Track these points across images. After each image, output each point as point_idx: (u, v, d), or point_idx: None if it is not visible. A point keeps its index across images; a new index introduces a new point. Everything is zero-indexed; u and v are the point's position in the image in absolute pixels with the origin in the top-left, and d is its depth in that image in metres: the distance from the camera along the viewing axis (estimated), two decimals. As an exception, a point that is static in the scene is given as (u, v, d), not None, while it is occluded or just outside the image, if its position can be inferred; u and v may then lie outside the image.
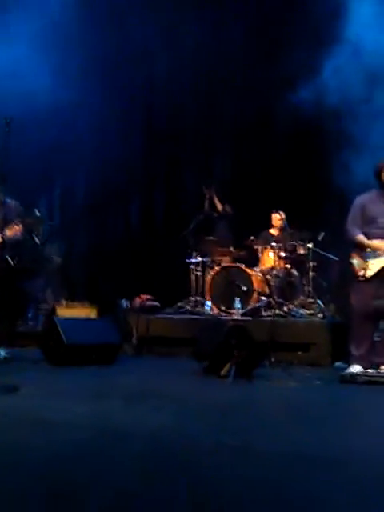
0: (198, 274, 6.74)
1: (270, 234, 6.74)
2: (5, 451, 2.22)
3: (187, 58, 7.98)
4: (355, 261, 4.28)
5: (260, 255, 6.48)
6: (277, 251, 6.16)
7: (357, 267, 4.26)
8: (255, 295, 5.95)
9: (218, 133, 8.28)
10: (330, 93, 6.10)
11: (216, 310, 6.08)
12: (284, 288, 6.06)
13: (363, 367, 4.13)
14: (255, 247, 6.54)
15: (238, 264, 6.26)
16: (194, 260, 6.81)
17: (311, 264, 6.24)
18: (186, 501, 1.74)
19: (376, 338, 4.45)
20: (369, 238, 4.24)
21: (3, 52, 7.54)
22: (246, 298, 5.92)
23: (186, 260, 6.78)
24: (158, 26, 8.01)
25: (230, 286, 6.08)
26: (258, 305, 5.90)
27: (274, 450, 2.31)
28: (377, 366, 4.16)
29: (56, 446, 2.31)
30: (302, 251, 6.38)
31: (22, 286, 5.41)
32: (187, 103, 8.17)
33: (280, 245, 6.20)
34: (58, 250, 6.74)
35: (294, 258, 6.30)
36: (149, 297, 6.61)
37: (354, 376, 3.99)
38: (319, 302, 6.05)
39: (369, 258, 4.21)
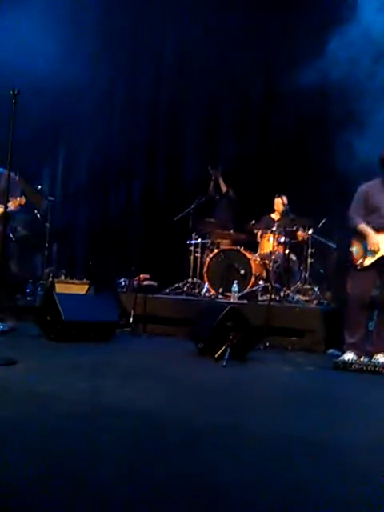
0: (197, 255, 6.78)
1: (272, 218, 6.75)
2: (1, 424, 2.27)
3: (193, 41, 7.91)
4: (354, 249, 4.30)
5: (260, 239, 6.50)
6: (277, 236, 6.18)
7: (355, 255, 4.29)
8: (253, 279, 5.99)
9: (221, 115, 8.23)
10: (335, 74, 6.06)
11: (213, 293, 6.12)
12: (282, 273, 6.10)
13: (356, 355, 4.18)
14: (255, 231, 6.56)
15: (237, 247, 6.28)
16: (193, 241, 6.84)
17: (310, 250, 6.28)
18: (179, 478, 1.79)
19: (370, 327, 4.50)
20: (371, 227, 4.24)
21: (15, 27, 7.48)
22: (243, 281, 5.96)
23: (186, 242, 6.81)
24: (166, 13, 7.93)
25: (229, 269, 6.12)
26: (254, 288, 5.95)
27: (265, 431, 2.37)
28: (370, 355, 4.21)
29: (52, 420, 2.36)
30: (301, 237, 6.42)
31: (22, 260, 5.42)
32: (192, 85, 8.10)
33: (280, 230, 6.22)
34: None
35: (293, 244, 6.33)
36: (147, 276, 6.65)
37: (347, 363, 4.05)
38: (316, 288, 6.10)
39: (368, 246, 4.23)
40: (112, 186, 8.94)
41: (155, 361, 4.12)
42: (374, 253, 4.19)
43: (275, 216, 6.79)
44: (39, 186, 6.85)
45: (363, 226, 4.24)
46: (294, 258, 6.34)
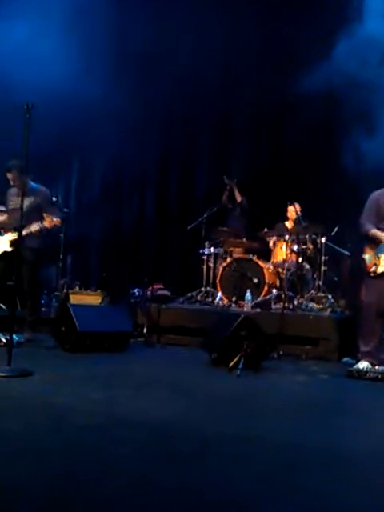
0: (210, 264, 6.80)
1: (285, 226, 6.75)
2: (18, 435, 2.31)
3: (206, 52, 7.97)
4: (367, 256, 4.29)
5: (273, 248, 6.50)
6: (289, 244, 6.17)
7: (368, 263, 4.27)
8: (266, 288, 5.99)
9: (233, 124, 8.28)
10: (344, 75, 6.08)
11: (226, 302, 6.13)
12: (295, 281, 6.08)
13: (371, 364, 4.15)
14: (268, 239, 6.56)
15: (250, 256, 6.29)
16: (206, 251, 6.85)
17: (323, 258, 6.26)
18: (192, 489, 1.80)
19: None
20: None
21: (30, 41, 7.63)
22: (256, 290, 5.96)
23: (199, 251, 6.84)
24: (179, 21, 8.02)
25: (242, 278, 6.12)
26: (268, 297, 5.94)
27: (279, 441, 2.37)
28: (385, 363, 4.18)
29: (67, 431, 2.39)
30: (314, 245, 6.40)
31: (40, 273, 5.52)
32: (205, 94, 8.16)
33: (293, 238, 6.21)
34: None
35: (306, 252, 6.32)
36: (160, 286, 6.68)
37: (361, 372, 4.03)
38: (330, 296, 6.07)
39: (381, 253, 4.22)
40: (125, 196, 9.01)
41: (169, 371, 4.14)
42: None
43: (288, 224, 6.79)
44: (55, 198, 6.94)
45: (375, 232, 4.23)
46: (307, 266, 6.32)
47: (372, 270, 4.24)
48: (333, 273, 6.45)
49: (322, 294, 6.12)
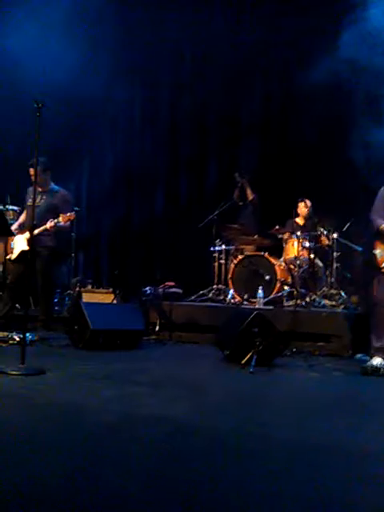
0: (222, 262, 6.79)
1: (296, 222, 6.73)
2: (31, 433, 2.32)
3: (212, 48, 7.95)
4: (378, 251, 4.25)
5: (284, 244, 6.48)
6: (301, 241, 6.15)
7: (379, 258, 4.24)
8: (278, 284, 5.97)
9: (242, 120, 8.25)
10: (352, 65, 6.03)
11: (238, 299, 6.12)
12: (307, 278, 6.06)
13: (384, 359, 4.12)
14: (280, 236, 6.55)
15: (261, 253, 6.28)
16: (217, 248, 6.85)
17: (336, 254, 6.23)
18: (206, 486, 1.81)
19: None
20: None
21: (36, 34, 7.66)
22: (268, 287, 5.95)
23: (210, 248, 6.83)
24: (185, 16, 8.00)
25: (253, 275, 6.12)
26: (280, 294, 5.93)
27: (292, 439, 2.37)
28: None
29: (81, 429, 2.40)
30: (326, 241, 6.37)
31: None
32: (214, 90, 8.14)
33: (305, 234, 6.19)
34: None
35: (318, 248, 6.29)
36: (172, 283, 6.69)
37: (375, 368, 4.00)
38: (342, 293, 6.04)
39: None
40: (136, 194, 9.02)
41: (182, 368, 4.14)
42: None
43: (299, 220, 6.77)
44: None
45: None
46: (319, 262, 6.30)
47: (383, 265, 4.20)
48: (345, 269, 6.42)
49: (335, 291, 6.09)
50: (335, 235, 6.25)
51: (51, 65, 7.60)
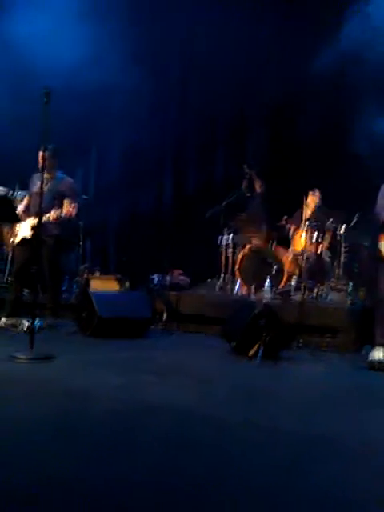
0: (229, 252, 6.78)
1: (304, 214, 6.69)
2: (40, 419, 2.35)
3: (221, 39, 7.89)
4: (383, 244, 4.25)
5: (292, 236, 6.46)
6: (309, 232, 6.12)
7: None
8: (285, 276, 5.96)
9: (252, 110, 8.20)
10: (355, 56, 6.00)
11: (245, 290, 6.12)
12: (315, 270, 6.04)
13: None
14: (288, 227, 6.52)
15: (269, 244, 6.26)
16: (225, 238, 6.84)
17: (344, 247, 6.20)
18: (213, 475, 1.82)
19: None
20: None
21: (46, 23, 7.63)
22: (276, 278, 5.94)
23: (218, 238, 6.83)
24: (195, 8, 7.95)
25: (261, 266, 6.11)
26: (287, 286, 5.92)
27: (299, 432, 2.38)
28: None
29: (90, 416, 2.43)
30: (334, 234, 6.34)
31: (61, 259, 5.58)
32: (223, 81, 8.08)
33: (313, 226, 6.15)
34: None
35: (326, 241, 6.26)
36: (180, 272, 6.69)
37: (382, 362, 4.00)
38: (350, 286, 6.02)
39: None
40: (144, 183, 9.00)
41: (188, 358, 4.16)
42: None
43: (308, 212, 6.73)
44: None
45: None
46: (327, 254, 6.27)
47: (388, 258, 4.19)
48: (353, 262, 6.39)
49: (342, 284, 6.07)
50: (343, 228, 6.21)
51: (61, 53, 7.57)
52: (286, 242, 6.51)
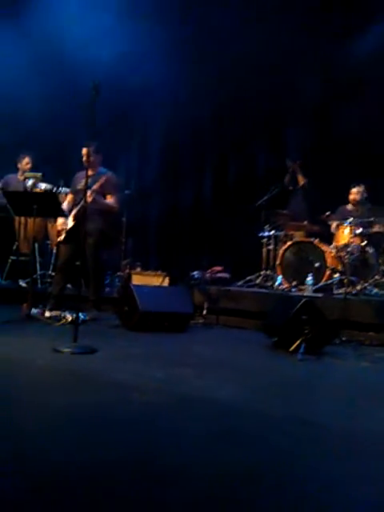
0: (270, 247, 6.73)
1: (348, 209, 6.58)
2: (84, 409, 2.40)
3: (260, 33, 7.82)
4: None
5: (335, 231, 6.35)
6: (353, 227, 6.00)
7: None
8: (328, 272, 5.87)
9: (294, 103, 8.09)
10: None
11: (286, 285, 6.06)
12: (358, 266, 5.91)
13: None
14: (330, 222, 6.41)
15: (311, 239, 6.18)
16: (266, 233, 6.79)
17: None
18: (257, 467, 1.82)
19: None
20: None
21: (88, 20, 7.76)
22: (318, 274, 5.86)
23: (259, 234, 6.79)
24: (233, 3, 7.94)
25: (303, 262, 6.04)
26: (330, 281, 5.83)
27: (340, 426, 2.35)
28: None
29: (133, 408, 2.46)
30: (379, 228, 6.19)
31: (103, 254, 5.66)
32: (263, 73, 8.00)
33: (357, 221, 6.03)
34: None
35: (370, 235, 6.13)
36: (220, 268, 6.69)
37: None
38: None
39: None
40: (184, 178, 9.03)
41: (230, 352, 4.16)
42: None
43: (352, 206, 6.61)
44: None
45: None
46: (371, 250, 6.13)
47: None
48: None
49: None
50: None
51: (102, 50, 7.68)
52: (328, 238, 6.40)
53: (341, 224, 6.22)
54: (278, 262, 6.27)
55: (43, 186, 6.41)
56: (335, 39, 7.44)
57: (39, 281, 6.51)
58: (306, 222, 6.52)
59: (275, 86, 7.96)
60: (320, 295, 5.57)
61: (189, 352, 3.99)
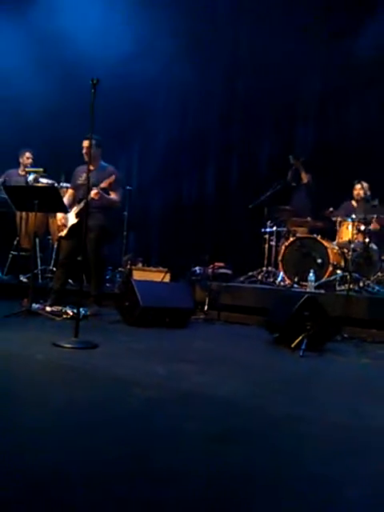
0: (272, 243, 6.71)
1: (351, 205, 6.54)
2: (84, 405, 2.38)
3: (268, 29, 7.78)
4: None
5: (338, 227, 6.32)
6: (356, 224, 5.97)
7: None
8: (330, 268, 5.85)
9: (299, 100, 8.05)
10: None
11: (288, 282, 6.04)
12: (361, 262, 5.89)
13: None
14: (333, 219, 6.38)
15: (314, 235, 6.15)
16: (268, 229, 6.76)
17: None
18: (262, 467, 1.80)
19: None
20: None
21: (95, 15, 7.73)
22: (320, 270, 5.83)
23: (261, 230, 6.76)
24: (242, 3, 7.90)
25: (305, 258, 6.01)
26: (332, 278, 5.81)
27: (342, 423, 2.33)
28: None
29: (133, 404, 2.44)
30: (382, 225, 6.16)
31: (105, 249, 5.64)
32: (268, 71, 7.97)
33: (360, 217, 6.00)
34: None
35: (373, 232, 6.10)
36: (222, 264, 6.67)
37: None
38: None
39: None
40: (187, 173, 9.00)
41: (231, 348, 4.14)
42: None
43: (355, 203, 6.57)
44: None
45: None
46: (374, 246, 6.10)
47: None
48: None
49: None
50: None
51: (108, 45, 7.65)
52: (331, 234, 6.38)
53: (344, 220, 6.19)
54: (280, 258, 6.25)
55: (44, 181, 6.39)
56: (338, 38, 7.39)
57: (40, 276, 6.49)
58: (308, 218, 6.48)
59: (280, 82, 7.92)
60: (322, 292, 5.55)
61: (190, 348, 3.97)
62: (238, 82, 8.49)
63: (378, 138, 6.96)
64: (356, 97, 7.29)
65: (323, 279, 5.78)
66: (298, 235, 6.42)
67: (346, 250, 5.93)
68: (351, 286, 5.27)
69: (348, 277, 5.39)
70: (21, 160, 6.79)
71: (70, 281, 5.64)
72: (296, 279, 5.96)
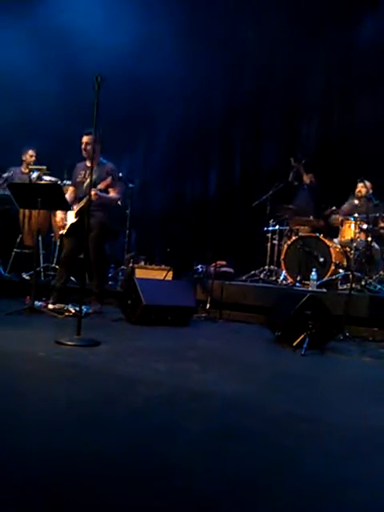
0: (275, 242, 6.70)
1: (354, 204, 6.53)
2: (85, 402, 2.38)
3: (271, 28, 7.76)
4: None
5: (340, 226, 6.31)
6: (359, 223, 5.97)
7: None
8: (332, 267, 5.85)
9: (301, 99, 8.04)
10: None
11: (291, 280, 6.04)
12: (363, 261, 5.89)
13: None
14: (336, 218, 6.37)
15: (316, 234, 6.15)
16: (271, 228, 6.76)
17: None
18: (261, 465, 1.80)
19: None
20: None
21: (99, 9, 7.72)
22: (322, 269, 5.83)
23: (264, 228, 6.76)
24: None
25: (307, 257, 6.01)
26: (334, 277, 5.80)
27: (343, 423, 2.33)
28: None
29: (135, 401, 2.45)
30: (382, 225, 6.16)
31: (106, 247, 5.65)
32: (271, 70, 7.96)
33: (363, 216, 6.00)
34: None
35: (376, 231, 6.09)
36: (224, 263, 6.67)
37: None
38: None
39: None
40: (190, 172, 9.00)
41: (233, 347, 4.15)
42: None
43: (357, 202, 6.56)
44: (120, 174, 7.05)
45: None
46: (376, 245, 6.10)
47: None
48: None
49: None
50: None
51: (111, 42, 7.64)
52: (333, 233, 6.37)
53: (346, 219, 6.18)
54: (282, 257, 6.25)
55: (48, 178, 6.40)
56: (341, 38, 7.37)
57: (42, 273, 6.51)
58: (311, 217, 6.48)
59: (284, 81, 7.92)
60: (324, 290, 5.55)
61: (192, 346, 3.97)
62: (242, 80, 8.47)
63: (381, 138, 6.94)
64: (359, 96, 7.27)
65: (325, 278, 5.78)
66: (300, 234, 6.42)
67: (348, 249, 5.92)
68: (353, 284, 5.26)
69: (350, 276, 5.38)
70: (24, 158, 6.80)
71: (72, 278, 5.65)
72: (298, 278, 5.96)
